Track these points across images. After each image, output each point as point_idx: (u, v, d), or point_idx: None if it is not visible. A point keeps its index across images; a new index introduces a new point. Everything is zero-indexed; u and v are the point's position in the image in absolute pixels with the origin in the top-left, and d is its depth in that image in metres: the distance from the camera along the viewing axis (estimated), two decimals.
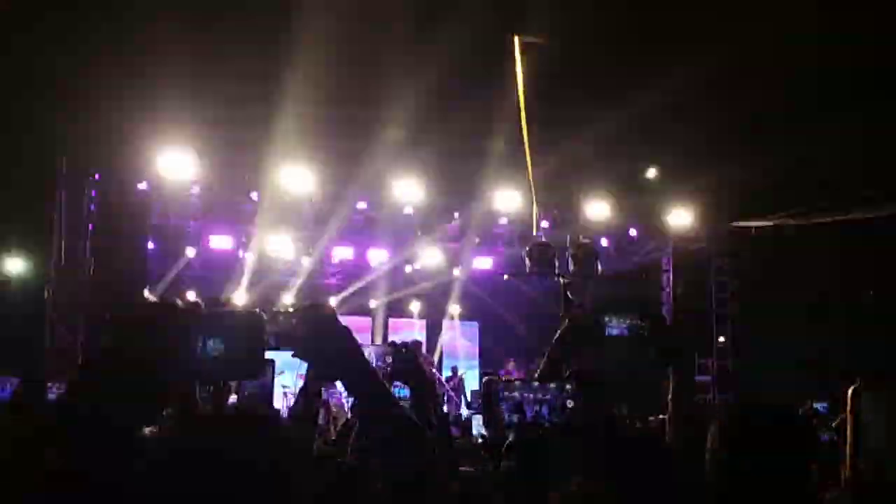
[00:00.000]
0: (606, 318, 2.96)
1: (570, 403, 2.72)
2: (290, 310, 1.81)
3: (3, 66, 12.90)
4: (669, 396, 2.92)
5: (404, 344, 3.23)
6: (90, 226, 14.00)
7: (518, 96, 13.07)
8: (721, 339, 17.62)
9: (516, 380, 2.73)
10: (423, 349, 15.14)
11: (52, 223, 14.01)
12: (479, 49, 13.04)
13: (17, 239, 16.15)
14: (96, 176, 13.88)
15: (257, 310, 1.71)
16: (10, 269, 16.22)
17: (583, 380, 2.86)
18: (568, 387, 2.78)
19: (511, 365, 17.29)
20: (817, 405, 12.33)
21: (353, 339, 1.87)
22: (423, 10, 12.68)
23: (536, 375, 3.19)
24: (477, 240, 17.93)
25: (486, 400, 2.80)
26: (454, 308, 20.63)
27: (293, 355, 1.84)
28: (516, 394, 2.77)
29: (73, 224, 14.15)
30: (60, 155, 13.66)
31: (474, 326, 21.22)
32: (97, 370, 1.27)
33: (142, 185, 14.14)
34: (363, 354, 1.92)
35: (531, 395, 2.76)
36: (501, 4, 12.67)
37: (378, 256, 17.72)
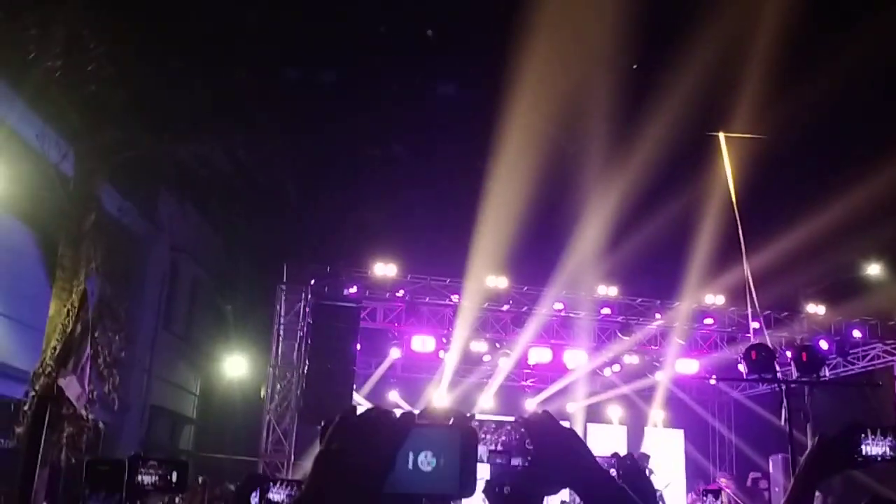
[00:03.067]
0: (864, 437, 2.60)
1: None
2: (516, 421, 1.77)
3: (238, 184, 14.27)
4: None
5: (630, 455, 3.00)
6: (304, 328, 14.89)
7: (726, 194, 12.61)
8: None
9: None
10: (647, 463, 14.36)
11: (272, 326, 15.03)
12: (684, 147, 12.83)
13: (240, 341, 17.40)
14: (311, 282, 14.79)
15: (472, 423, 1.64)
16: (232, 371, 17.43)
17: None
18: None
19: (723, 481, 16.08)
20: None
21: (584, 444, 1.77)
22: (622, 111, 12.73)
23: (787, 496, 2.83)
24: (681, 342, 17.15)
25: None
26: (657, 414, 19.67)
27: (525, 467, 1.76)
28: None
29: (289, 327, 15.11)
30: (283, 263, 14.72)
31: (679, 434, 20.07)
32: (329, 475, 1.24)
33: (352, 290, 14.87)
34: (595, 459, 1.80)
35: None
36: (706, 103, 12.46)
37: (575, 358, 17.35)
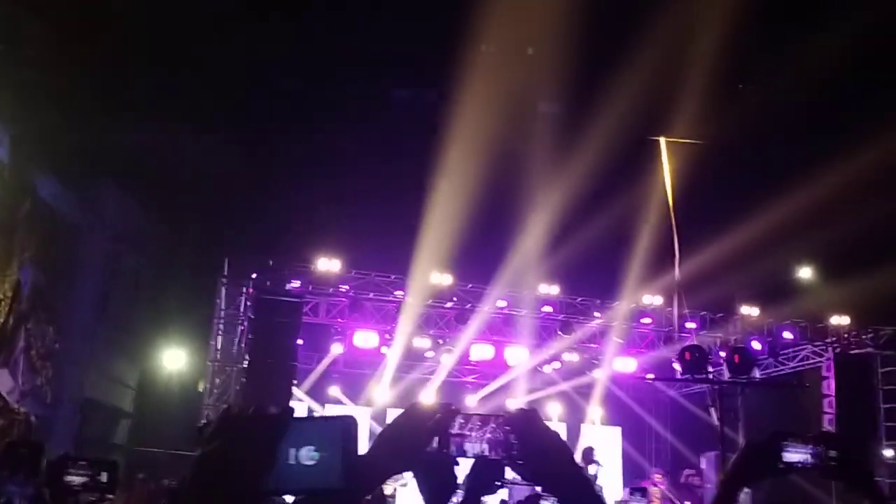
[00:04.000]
0: (785, 444, 2.70)
1: None
2: (500, 416, 1.79)
3: (178, 173, 14.05)
4: None
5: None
6: (245, 322, 14.73)
7: (666, 197, 12.92)
8: (890, 452, 16.10)
9: None
10: (594, 456, 14.64)
11: (212, 320, 14.85)
12: (625, 150, 13.08)
13: (180, 334, 17.14)
14: (253, 275, 14.64)
15: (457, 416, 1.69)
16: (171, 364, 17.16)
17: None
18: None
19: (658, 477, 16.44)
20: None
21: (567, 446, 1.81)
22: (566, 114, 12.93)
23: (714, 500, 2.93)
24: (619, 340, 17.48)
25: None
26: (595, 411, 19.99)
27: (505, 464, 1.80)
28: None
29: (230, 321, 14.94)
30: (225, 255, 14.56)
31: (616, 431, 20.43)
32: (204, 477, 1.24)
33: (295, 284, 14.77)
34: (577, 463, 1.84)
35: None
36: (647, 108, 12.72)
37: (517, 355, 17.56)
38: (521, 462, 1.77)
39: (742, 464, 2.85)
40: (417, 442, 1.72)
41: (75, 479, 3.45)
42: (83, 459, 3.59)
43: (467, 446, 1.81)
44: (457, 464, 1.86)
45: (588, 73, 12.42)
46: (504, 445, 1.79)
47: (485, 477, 2.81)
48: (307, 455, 1.28)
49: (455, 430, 1.79)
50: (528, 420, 1.79)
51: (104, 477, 3.50)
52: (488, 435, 1.81)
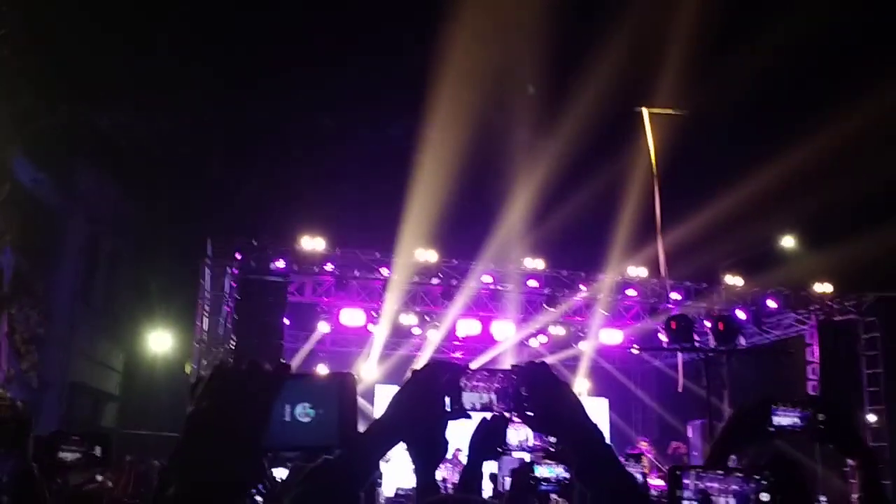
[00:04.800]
0: (775, 408, 2.74)
1: (764, 497, 2.52)
2: (508, 367, 1.78)
3: (158, 156, 13.89)
4: (858, 495, 2.68)
5: None
6: (231, 303, 14.64)
7: (649, 168, 12.93)
8: (873, 418, 16.32)
9: (699, 467, 2.56)
10: None
11: (196, 301, 14.73)
12: (608, 122, 13.07)
13: (165, 316, 17.03)
14: (237, 256, 14.53)
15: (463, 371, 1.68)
16: (156, 346, 17.06)
17: (783, 471, 2.63)
18: (758, 477, 2.55)
19: (644, 444, 16.58)
20: None
21: (578, 399, 1.79)
22: (550, 86, 12.88)
23: (704, 463, 2.95)
24: (605, 312, 17.55)
25: (673, 489, 2.64)
26: (582, 383, 20.12)
27: (515, 415, 1.78)
28: (700, 483, 2.60)
29: (215, 302, 14.84)
30: (207, 236, 14.43)
31: (603, 403, 20.58)
32: (200, 434, 1.20)
33: (279, 264, 14.67)
34: (587, 413, 1.82)
35: (716, 485, 2.58)
36: (630, 78, 12.70)
37: (503, 330, 17.60)
38: (530, 413, 1.75)
39: (733, 427, 2.88)
40: (431, 404, 1.71)
41: (68, 456, 3.40)
42: (76, 435, 3.54)
43: (475, 397, 1.79)
44: (469, 417, 1.84)
45: (571, 45, 12.36)
46: (513, 396, 1.77)
47: (488, 441, 2.80)
48: (303, 412, 1.25)
49: (463, 384, 1.78)
50: (539, 371, 1.78)
51: (98, 451, 3.46)
52: (496, 385, 1.79)
